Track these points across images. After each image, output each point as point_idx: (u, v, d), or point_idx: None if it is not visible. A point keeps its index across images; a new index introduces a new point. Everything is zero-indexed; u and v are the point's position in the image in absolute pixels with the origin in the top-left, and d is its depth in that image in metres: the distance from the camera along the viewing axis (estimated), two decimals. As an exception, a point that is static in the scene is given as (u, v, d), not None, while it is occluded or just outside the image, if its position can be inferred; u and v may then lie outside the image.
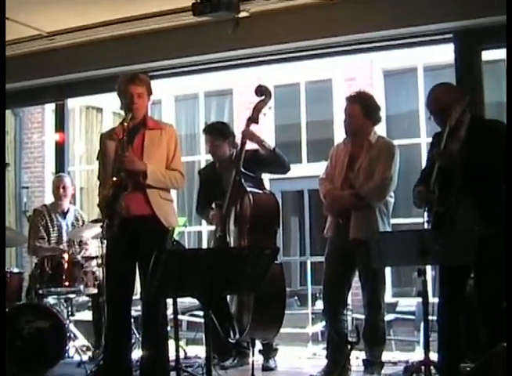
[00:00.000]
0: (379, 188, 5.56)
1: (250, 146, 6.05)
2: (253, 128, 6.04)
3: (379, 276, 5.63)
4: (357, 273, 5.73)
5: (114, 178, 5.13)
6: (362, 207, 5.58)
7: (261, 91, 6.01)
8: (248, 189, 5.76)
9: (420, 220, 9.02)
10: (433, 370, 4.62)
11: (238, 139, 6.16)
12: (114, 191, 5.12)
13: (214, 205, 6.23)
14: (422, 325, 5.43)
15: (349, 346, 5.47)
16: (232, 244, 5.82)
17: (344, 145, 5.88)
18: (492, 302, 4.72)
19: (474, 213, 4.73)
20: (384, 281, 5.76)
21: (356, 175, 5.68)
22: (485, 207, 4.73)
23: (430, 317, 4.74)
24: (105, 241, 5.64)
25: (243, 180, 5.79)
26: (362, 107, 5.68)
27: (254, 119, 5.98)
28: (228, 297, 5.91)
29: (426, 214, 4.88)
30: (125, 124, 5.18)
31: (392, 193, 5.73)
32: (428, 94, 5.11)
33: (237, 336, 5.81)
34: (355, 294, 6.45)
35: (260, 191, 5.91)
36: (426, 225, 4.85)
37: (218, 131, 6.44)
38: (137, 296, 5.57)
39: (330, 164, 5.94)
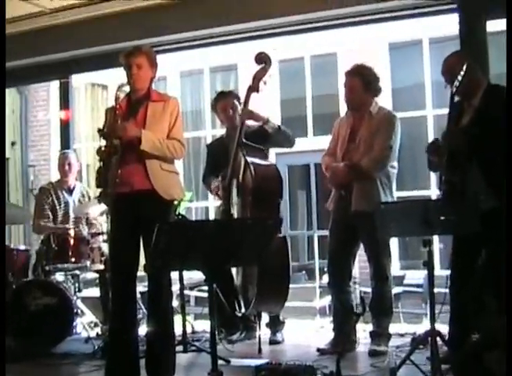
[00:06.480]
0: (378, 158, 5.54)
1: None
2: (257, 99, 5.97)
3: (383, 247, 5.62)
4: (362, 246, 5.75)
5: (103, 148, 5.11)
6: (363, 178, 5.57)
7: (261, 58, 5.93)
8: (250, 160, 5.73)
9: (425, 193, 9.01)
10: (440, 342, 4.62)
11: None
12: (105, 160, 5.10)
13: (219, 177, 6.21)
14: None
15: (355, 317, 5.48)
16: (236, 216, 5.82)
17: (346, 118, 5.87)
18: (500, 274, 4.70)
19: (481, 184, 4.71)
20: (390, 252, 5.74)
21: (357, 147, 5.67)
22: (493, 179, 4.70)
23: (436, 289, 4.72)
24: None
25: (245, 152, 5.76)
26: (361, 80, 5.67)
27: (254, 88, 5.90)
28: (233, 271, 5.92)
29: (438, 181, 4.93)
30: (118, 93, 5.16)
31: (395, 164, 5.71)
32: (443, 63, 5.10)
33: (243, 310, 5.82)
34: (363, 268, 6.44)
35: (262, 163, 5.88)
36: (438, 193, 4.87)
37: (231, 95, 6.42)
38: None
39: (333, 138, 5.94)
